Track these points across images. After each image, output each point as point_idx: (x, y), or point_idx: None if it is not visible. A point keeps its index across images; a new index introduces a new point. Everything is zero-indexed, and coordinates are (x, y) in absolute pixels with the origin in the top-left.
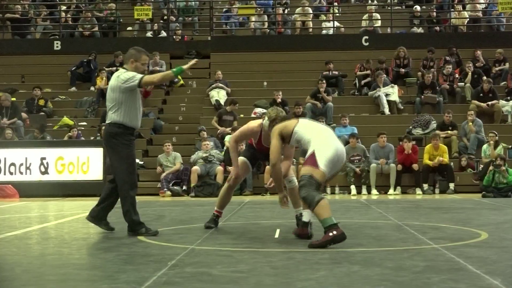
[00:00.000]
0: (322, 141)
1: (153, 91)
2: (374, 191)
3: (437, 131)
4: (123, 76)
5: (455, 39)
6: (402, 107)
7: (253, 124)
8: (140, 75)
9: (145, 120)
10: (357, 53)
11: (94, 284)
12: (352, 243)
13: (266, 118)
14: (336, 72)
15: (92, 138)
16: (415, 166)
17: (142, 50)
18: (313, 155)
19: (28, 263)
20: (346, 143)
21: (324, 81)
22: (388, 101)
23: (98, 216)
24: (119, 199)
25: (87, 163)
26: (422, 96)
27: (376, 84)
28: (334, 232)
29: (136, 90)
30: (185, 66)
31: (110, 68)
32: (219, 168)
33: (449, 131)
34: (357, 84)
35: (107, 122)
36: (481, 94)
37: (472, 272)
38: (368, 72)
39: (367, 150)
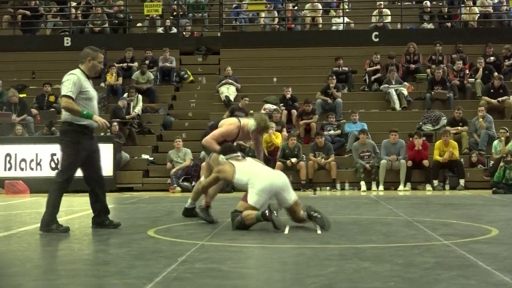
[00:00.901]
0: (258, 178)
1: (163, 87)
2: (380, 187)
3: (447, 127)
4: (65, 82)
5: (466, 35)
6: (410, 99)
7: (232, 126)
8: (67, 93)
9: (155, 116)
10: (367, 49)
11: (104, 280)
12: (362, 239)
13: (254, 123)
14: (346, 68)
15: (102, 134)
16: (425, 162)
17: (97, 49)
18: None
19: (38, 259)
20: (356, 139)
21: (334, 77)
22: (398, 95)
23: (100, 221)
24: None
25: None
26: (432, 92)
27: (388, 80)
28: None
29: (83, 94)
30: (95, 118)
31: (121, 65)
32: None
33: (459, 127)
34: (367, 80)
35: (61, 120)
36: (492, 90)
37: (482, 269)
38: (378, 67)
39: (377, 146)
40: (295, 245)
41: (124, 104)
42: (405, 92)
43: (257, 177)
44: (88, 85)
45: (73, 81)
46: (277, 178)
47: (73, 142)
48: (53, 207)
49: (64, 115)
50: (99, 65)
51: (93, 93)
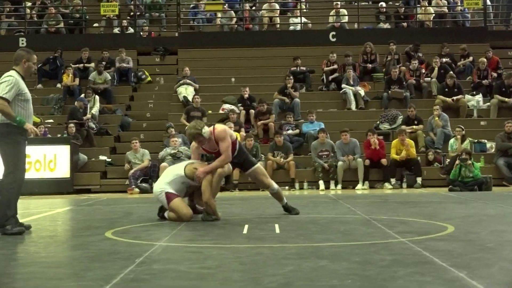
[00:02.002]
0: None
1: (120, 87)
2: (338, 186)
3: (403, 127)
4: (3, 84)
5: (421, 35)
6: (367, 99)
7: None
8: (4, 95)
9: (113, 117)
10: (325, 49)
11: (61, 282)
12: (320, 238)
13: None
14: (304, 68)
15: (59, 135)
16: (383, 161)
17: (30, 50)
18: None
19: None
20: (314, 138)
21: (291, 77)
22: (355, 95)
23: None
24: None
25: (54, 160)
26: (389, 91)
27: (346, 79)
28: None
29: (21, 96)
30: (27, 125)
31: (77, 65)
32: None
33: (414, 126)
34: (325, 80)
35: None
36: (446, 89)
37: (438, 265)
38: (335, 67)
39: (335, 145)
40: (253, 245)
41: (81, 105)
42: (362, 92)
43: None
44: (25, 87)
45: (11, 82)
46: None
47: (14, 142)
48: (6, 208)
49: (1, 117)
50: (34, 66)
51: (29, 95)
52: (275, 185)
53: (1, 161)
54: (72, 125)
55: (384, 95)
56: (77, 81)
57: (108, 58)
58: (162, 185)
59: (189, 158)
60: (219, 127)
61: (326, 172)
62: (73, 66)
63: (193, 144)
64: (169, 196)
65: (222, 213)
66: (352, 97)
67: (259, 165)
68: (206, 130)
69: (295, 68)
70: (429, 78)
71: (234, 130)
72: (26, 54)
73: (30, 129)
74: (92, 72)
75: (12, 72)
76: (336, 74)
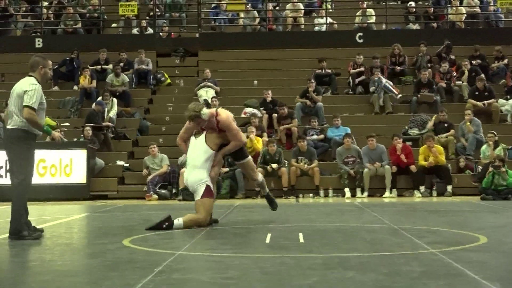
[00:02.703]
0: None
1: (139, 90)
2: (365, 194)
3: (429, 133)
4: (30, 92)
5: (452, 36)
6: (392, 103)
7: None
8: (32, 104)
9: (131, 121)
10: (351, 50)
11: None
12: (347, 248)
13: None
14: (329, 70)
15: (75, 139)
16: (412, 168)
17: (45, 56)
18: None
19: (8, 270)
20: (339, 144)
21: (313, 81)
22: (385, 100)
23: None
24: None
25: (70, 165)
26: (419, 95)
27: (373, 82)
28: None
29: (41, 105)
30: (54, 133)
31: (95, 67)
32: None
33: (440, 135)
34: (351, 83)
35: (11, 126)
36: (477, 93)
37: (470, 278)
38: (362, 69)
39: (361, 151)
40: (276, 254)
41: (100, 109)
42: (395, 92)
43: None
44: (43, 94)
45: (38, 92)
46: None
47: (28, 147)
48: (18, 213)
49: (20, 122)
50: (50, 72)
51: (45, 103)
52: (260, 177)
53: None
54: (88, 128)
55: (413, 99)
56: (94, 83)
57: (126, 59)
58: (205, 175)
59: None
60: (223, 113)
61: (352, 179)
62: (90, 67)
63: (188, 123)
64: (208, 191)
65: (244, 221)
66: (381, 99)
67: (250, 159)
68: (206, 112)
69: (320, 70)
70: (460, 82)
71: (256, 135)
72: (42, 60)
73: (58, 137)
74: (110, 74)
75: (34, 80)
76: (363, 77)
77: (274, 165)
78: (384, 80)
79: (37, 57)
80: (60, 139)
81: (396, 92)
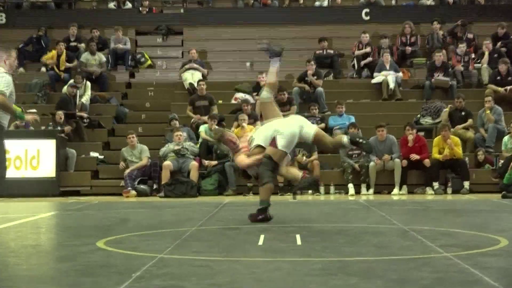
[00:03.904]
0: (282, 123)
1: (116, 72)
2: (371, 191)
3: (443, 122)
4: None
5: (472, 12)
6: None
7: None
8: (3, 89)
9: (107, 107)
10: (356, 28)
11: None
12: (350, 251)
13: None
14: (332, 51)
15: (43, 128)
16: (426, 162)
17: (9, 46)
18: (274, 139)
19: None
20: (344, 133)
21: (312, 63)
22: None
23: None
24: None
25: (37, 157)
26: (432, 80)
27: (381, 64)
28: (261, 216)
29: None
30: (27, 116)
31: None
32: (194, 164)
33: (457, 125)
34: (356, 65)
35: None
36: (499, 77)
37: (489, 285)
38: (368, 50)
39: None
40: (270, 258)
41: (72, 92)
42: (391, 80)
43: (281, 125)
44: (12, 83)
45: (7, 79)
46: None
47: None
48: None
49: None
50: (14, 62)
51: (14, 92)
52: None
53: None
54: (60, 112)
55: (426, 84)
56: (74, 63)
57: (98, 37)
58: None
59: (195, 156)
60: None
61: (356, 174)
62: (62, 45)
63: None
64: (272, 144)
65: (234, 220)
66: (392, 85)
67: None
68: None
69: (321, 51)
70: (479, 65)
71: (248, 123)
72: (4, 52)
73: (32, 119)
74: (84, 53)
75: (1, 69)
76: (369, 59)
77: None
78: None
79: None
80: (35, 120)
81: None
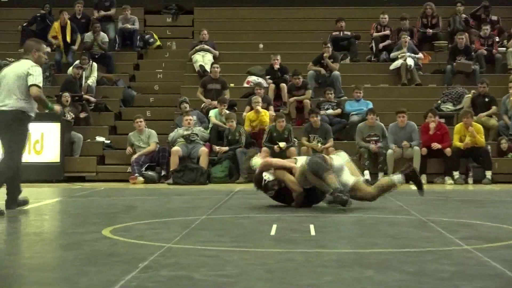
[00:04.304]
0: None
1: (123, 53)
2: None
3: (466, 109)
4: (34, 72)
5: None
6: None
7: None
8: (39, 83)
9: (114, 90)
10: (374, 10)
11: None
12: (365, 243)
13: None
14: (349, 33)
15: (47, 111)
16: (447, 151)
17: (40, 40)
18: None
19: None
20: (362, 120)
21: (329, 45)
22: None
23: None
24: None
25: (41, 141)
26: (454, 63)
27: (399, 47)
28: (345, 197)
29: None
30: (56, 107)
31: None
32: (203, 149)
33: (480, 113)
34: (374, 48)
35: (8, 108)
36: None
37: (511, 279)
38: (387, 32)
39: (386, 129)
40: (282, 249)
41: (78, 73)
42: (411, 62)
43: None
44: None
45: (40, 72)
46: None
47: (25, 130)
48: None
49: (19, 102)
50: (44, 56)
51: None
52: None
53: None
54: (66, 94)
55: (448, 68)
56: (78, 40)
57: (81, 12)
58: None
59: (205, 141)
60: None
61: (374, 159)
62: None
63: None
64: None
65: (245, 209)
66: (414, 70)
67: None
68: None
69: (337, 33)
70: (504, 48)
71: (262, 107)
72: (36, 44)
73: (58, 110)
74: (87, 33)
75: (32, 62)
76: (388, 41)
77: (282, 144)
78: None
79: (31, 40)
80: (59, 111)
81: None
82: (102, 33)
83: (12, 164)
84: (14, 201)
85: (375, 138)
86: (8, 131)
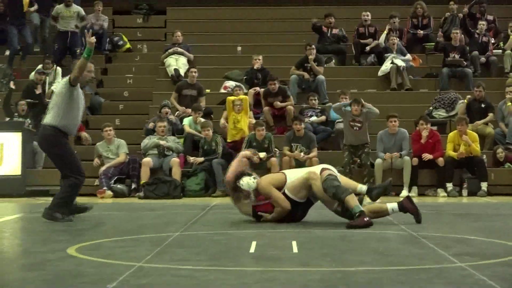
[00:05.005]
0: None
1: (91, 57)
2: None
3: (460, 115)
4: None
5: None
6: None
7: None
8: (67, 77)
9: None
10: (360, 9)
11: None
12: (352, 260)
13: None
14: (336, 31)
15: (7, 119)
16: (440, 161)
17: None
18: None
19: None
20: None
21: (313, 47)
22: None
23: None
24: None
25: (1, 152)
26: (448, 58)
27: (388, 50)
28: (367, 219)
29: (72, 96)
30: (90, 40)
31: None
32: (175, 160)
33: (476, 121)
34: (357, 50)
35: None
36: None
37: None
38: (372, 31)
39: (370, 137)
40: (263, 268)
41: (40, 79)
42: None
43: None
44: (81, 95)
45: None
46: None
47: (64, 143)
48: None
49: (54, 120)
50: (89, 74)
51: (81, 104)
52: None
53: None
54: (22, 102)
55: (444, 72)
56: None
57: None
58: None
59: (179, 152)
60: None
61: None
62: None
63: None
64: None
65: (223, 225)
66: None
67: None
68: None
69: (326, 29)
70: (499, 51)
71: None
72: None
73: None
74: (59, 5)
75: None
76: (374, 43)
77: (262, 155)
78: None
79: (78, 59)
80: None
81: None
82: (76, 6)
83: (75, 180)
84: None
85: (359, 124)
86: (47, 149)
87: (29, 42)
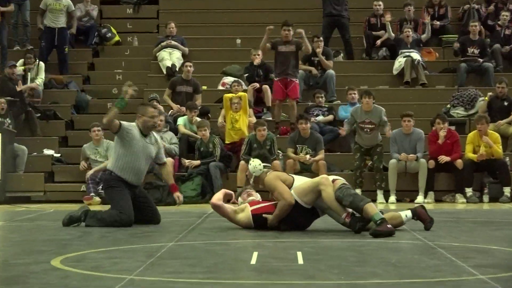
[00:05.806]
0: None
1: (76, 51)
2: (391, 198)
3: (480, 113)
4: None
5: None
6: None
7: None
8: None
9: (65, 93)
10: None
11: None
12: (363, 272)
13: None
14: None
15: None
16: (458, 163)
17: (148, 103)
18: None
19: None
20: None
21: (321, 38)
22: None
23: None
24: None
25: None
26: (466, 55)
27: (402, 43)
28: (389, 225)
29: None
30: (127, 89)
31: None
32: (168, 160)
33: (499, 120)
34: (368, 43)
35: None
36: None
37: None
38: (385, 21)
39: (390, 137)
40: (265, 281)
41: (11, 72)
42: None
43: None
44: (138, 142)
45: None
46: None
47: (120, 188)
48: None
49: (111, 166)
50: (151, 120)
51: (141, 152)
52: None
53: None
54: (2, 100)
55: (462, 67)
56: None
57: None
58: None
59: (174, 156)
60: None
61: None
62: None
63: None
64: None
65: (221, 234)
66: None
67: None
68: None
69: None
70: None
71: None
72: (141, 108)
73: (131, 92)
74: None
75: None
76: (386, 35)
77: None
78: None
79: (140, 104)
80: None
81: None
82: None
83: (119, 216)
84: None
85: (370, 126)
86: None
87: (4, 44)
